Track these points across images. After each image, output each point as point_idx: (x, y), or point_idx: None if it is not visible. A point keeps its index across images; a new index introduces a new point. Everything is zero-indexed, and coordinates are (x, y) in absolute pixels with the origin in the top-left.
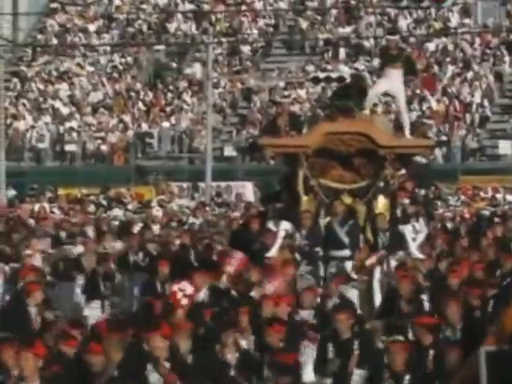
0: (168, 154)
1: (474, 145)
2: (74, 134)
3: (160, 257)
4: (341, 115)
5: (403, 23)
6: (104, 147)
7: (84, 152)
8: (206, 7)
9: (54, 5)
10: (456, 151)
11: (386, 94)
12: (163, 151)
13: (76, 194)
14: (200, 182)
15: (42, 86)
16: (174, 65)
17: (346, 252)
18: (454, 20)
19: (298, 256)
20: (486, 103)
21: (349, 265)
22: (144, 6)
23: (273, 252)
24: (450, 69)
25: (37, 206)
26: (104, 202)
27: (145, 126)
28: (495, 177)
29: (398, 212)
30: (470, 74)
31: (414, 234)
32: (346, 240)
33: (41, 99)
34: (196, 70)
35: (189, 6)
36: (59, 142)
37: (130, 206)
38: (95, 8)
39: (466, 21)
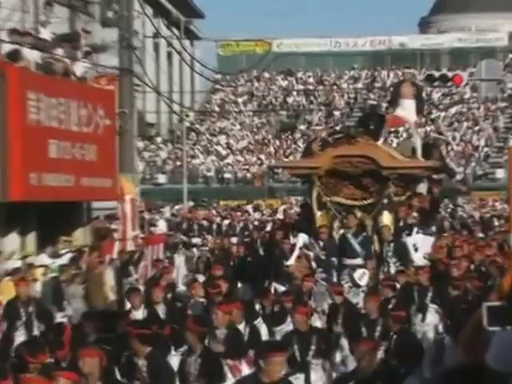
0: (288, 178)
1: (481, 172)
2: (230, 167)
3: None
4: (345, 141)
5: (435, 95)
6: (248, 175)
7: (236, 178)
8: (311, 87)
9: (217, 86)
10: (469, 176)
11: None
12: (286, 177)
13: (230, 204)
14: None
15: (209, 137)
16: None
17: (359, 260)
18: (467, 93)
19: (314, 264)
20: (487, 147)
21: (358, 272)
22: (273, 87)
23: (291, 260)
24: (465, 124)
25: (206, 212)
26: (248, 209)
27: (273, 162)
28: (494, 192)
29: (403, 225)
30: (477, 128)
31: (420, 243)
32: (359, 250)
33: (208, 145)
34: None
35: (300, 87)
36: (220, 171)
37: (264, 212)
38: (242, 88)
39: (475, 94)
